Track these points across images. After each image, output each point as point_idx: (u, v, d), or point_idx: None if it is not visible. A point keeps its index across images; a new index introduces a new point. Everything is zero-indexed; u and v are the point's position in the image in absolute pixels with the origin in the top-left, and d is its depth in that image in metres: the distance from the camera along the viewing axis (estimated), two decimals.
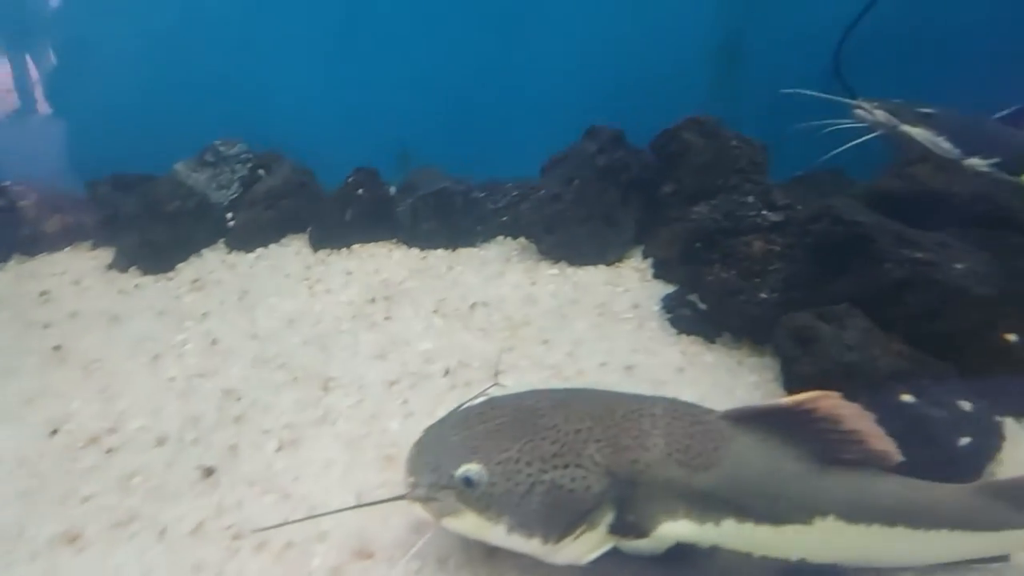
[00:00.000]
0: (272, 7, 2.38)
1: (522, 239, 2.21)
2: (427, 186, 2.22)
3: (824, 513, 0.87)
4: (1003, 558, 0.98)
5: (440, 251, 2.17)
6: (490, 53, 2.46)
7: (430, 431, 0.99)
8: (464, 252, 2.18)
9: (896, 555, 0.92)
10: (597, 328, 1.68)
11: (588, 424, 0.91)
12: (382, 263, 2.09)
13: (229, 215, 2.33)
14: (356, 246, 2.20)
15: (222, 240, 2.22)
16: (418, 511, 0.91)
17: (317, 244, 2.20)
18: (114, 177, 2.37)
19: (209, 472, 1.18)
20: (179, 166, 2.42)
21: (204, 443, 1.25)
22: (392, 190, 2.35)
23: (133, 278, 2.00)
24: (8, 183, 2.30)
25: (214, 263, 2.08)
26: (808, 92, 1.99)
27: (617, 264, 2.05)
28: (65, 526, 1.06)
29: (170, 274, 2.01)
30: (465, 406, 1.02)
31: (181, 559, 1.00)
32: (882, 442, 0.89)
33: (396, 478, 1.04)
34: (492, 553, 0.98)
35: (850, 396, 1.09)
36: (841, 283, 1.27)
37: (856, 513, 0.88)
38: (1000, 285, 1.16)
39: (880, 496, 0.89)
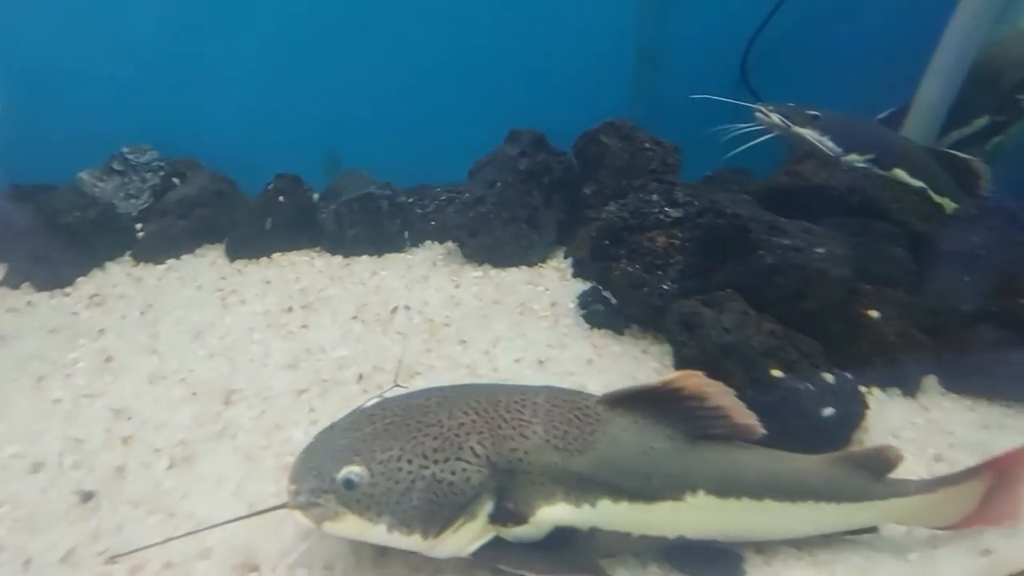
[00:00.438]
0: (191, 4, 2.27)
1: (449, 243, 2.21)
2: (351, 191, 2.19)
3: (695, 489, 0.91)
4: (871, 530, 1.04)
5: (365, 257, 2.14)
6: (420, 57, 2.46)
7: (319, 437, 0.97)
8: (390, 258, 2.15)
9: (766, 528, 0.97)
10: (515, 326, 1.70)
11: (472, 418, 0.92)
12: (303, 271, 2.03)
13: (139, 226, 2.22)
14: (277, 255, 2.13)
15: (129, 252, 2.10)
16: (300, 519, 0.89)
17: (235, 254, 2.12)
18: (12, 188, 2.22)
19: (88, 496, 1.10)
20: (84, 175, 2.28)
21: (86, 466, 1.17)
22: (316, 196, 2.31)
23: (26, 295, 1.86)
24: None
25: (118, 277, 1.96)
26: (715, 97, 2.11)
27: (540, 265, 2.09)
28: None
29: (68, 289, 1.87)
30: (359, 410, 1.01)
31: None
32: (745, 416, 0.94)
33: None
34: (381, 555, 0.96)
35: (728, 374, 1.17)
36: (726, 270, 1.35)
37: (725, 487, 0.93)
38: (855, 267, 1.27)
39: (746, 470, 0.94)
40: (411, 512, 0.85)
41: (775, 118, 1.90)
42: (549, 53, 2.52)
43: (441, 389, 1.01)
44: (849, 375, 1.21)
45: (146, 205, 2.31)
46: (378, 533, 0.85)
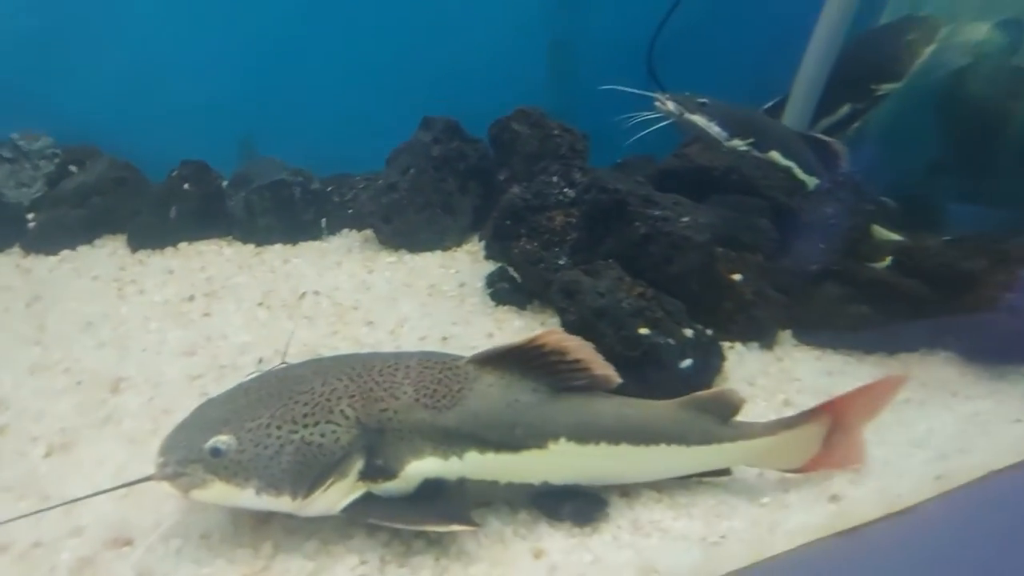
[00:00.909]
0: None
1: (367, 231, 2.22)
2: (262, 178, 2.15)
3: (556, 436, 1.00)
4: (726, 472, 1.14)
5: (278, 246, 2.11)
6: (341, 45, 2.44)
7: (193, 412, 0.98)
8: (305, 246, 2.14)
9: (624, 470, 1.07)
10: (424, 307, 1.76)
11: (344, 383, 0.96)
12: (210, 260, 1.99)
13: (30, 216, 2.10)
14: (183, 244, 2.07)
15: (19, 244, 1.98)
16: (168, 490, 0.90)
17: (137, 244, 2.04)
18: None
19: None
20: None
21: None
22: (225, 183, 2.25)
23: None
24: None
25: (5, 268, 1.85)
26: (620, 87, 2.24)
27: (455, 249, 2.14)
28: None
29: None
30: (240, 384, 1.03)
31: None
32: (603, 367, 1.03)
33: None
34: (262, 522, 0.99)
35: (601, 334, 1.27)
36: (609, 242, 1.47)
37: (584, 434, 1.01)
38: (717, 234, 1.40)
39: (603, 417, 1.03)
40: (280, 475, 0.88)
41: (670, 106, 2.06)
42: (469, 43, 2.57)
43: (320, 360, 1.06)
44: (708, 330, 1.35)
45: (39, 194, 2.18)
46: (247, 497, 0.88)
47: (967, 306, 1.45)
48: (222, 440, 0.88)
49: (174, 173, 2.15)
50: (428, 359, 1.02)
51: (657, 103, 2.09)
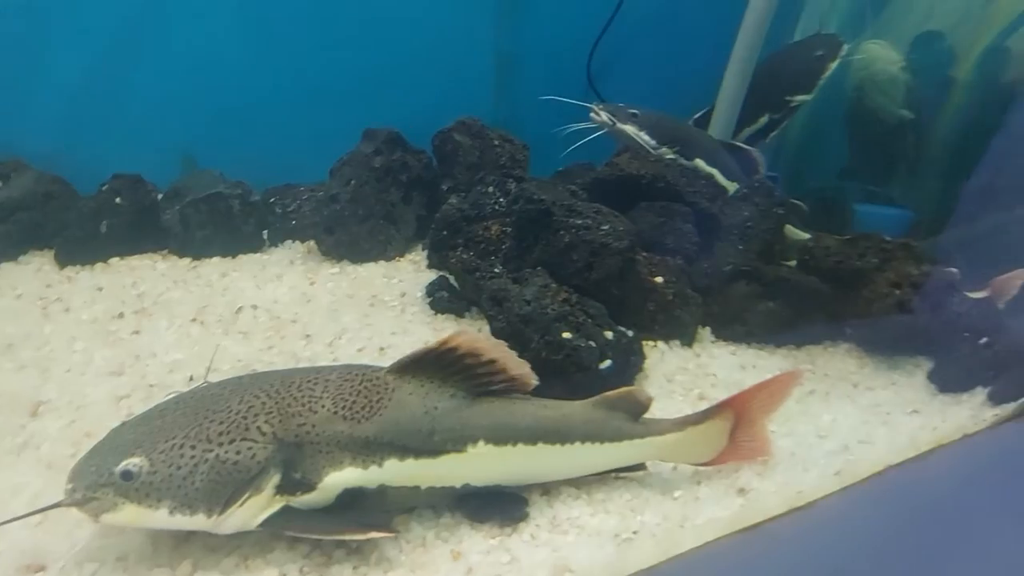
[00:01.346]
0: None
1: (311, 242, 2.22)
2: (198, 191, 2.12)
3: (475, 440, 1.04)
4: (641, 467, 1.20)
5: (216, 259, 2.09)
6: (287, 57, 2.42)
7: (106, 436, 0.98)
8: (245, 258, 2.12)
9: (541, 469, 1.12)
10: (364, 318, 1.77)
11: (262, 400, 0.98)
12: (143, 275, 1.95)
13: None
14: (114, 260, 2.02)
15: None
16: (78, 515, 0.90)
17: (65, 260, 1.98)
18: None
19: None
20: None
21: None
22: (160, 196, 2.20)
23: None
24: None
25: None
26: (560, 98, 2.31)
27: (398, 259, 2.17)
28: None
29: None
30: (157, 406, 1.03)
31: None
32: (518, 367, 1.07)
33: None
34: (183, 541, 1.00)
35: (527, 339, 1.33)
36: (537, 250, 1.53)
37: (501, 436, 1.06)
38: (643, 239, 1.48)
39: (520, 418, 1.08)
40: (193, 494, 0.89)
41: (604, 116, 2.15)
42: (416, 55, 2.60)
43: (239, 378, 1.07)
44: (630, 331, 1.43)
45: None
46: (159, 518, 0.89)
47: (861, 301, 1.59)
48: (133, 463, 0.89)
49: (105, 187, 2.10)
50: (348, 372, 1.05)
51: (592, 114, 2.18)
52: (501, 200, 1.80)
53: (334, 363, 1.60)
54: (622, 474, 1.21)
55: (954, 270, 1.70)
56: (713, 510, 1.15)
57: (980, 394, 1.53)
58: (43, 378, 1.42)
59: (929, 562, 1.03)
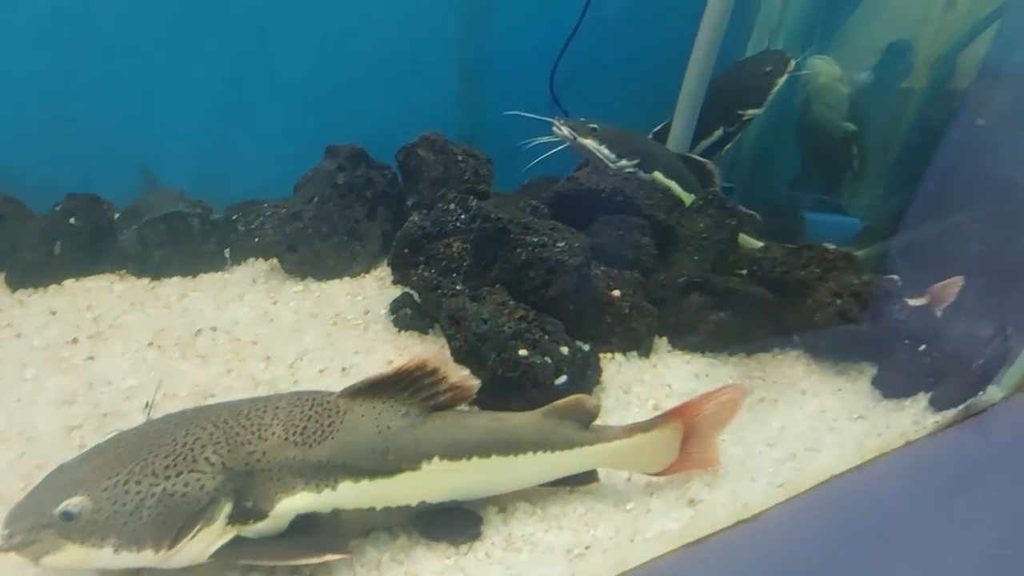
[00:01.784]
0: None
1: (273, 260, 2.20)
2: (156, 210, 2.08)
3: (429, 456, 1.05)
4: (593, 476, 1.22)
5: (176, 279, 2.05)
6: (253, 72, 2.39)
7: (46, 478, 0.97)
8: (206, 278, 2.09)
9: (496, 481, 1.14)
10: (327, 337, 1.77)
11: (209, 431, 0.99)
12: (99, 298, 1.91)
13: None
14: (69, 281, 1.97)
15: None
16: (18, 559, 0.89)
17: (16, 283, 1.92)
18: None
19: None
20: None
21: None
22: (117, 216, 2.16)
23: None
24: None
25: None
26: (523, 113, 2.35)
27: (363, 275, 2.16)
28: None
29: None
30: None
31: None
32: (458, 374, 1.08)
33: None
34: None
35: (484, 357, 1.35)
36: (495, 268, 1.56)
37: (455, 450, 1.07)
38: (602, 252, 1.51)
39: (472, 432, 1.10)
40: (140, 530, 0.89)
41: (565, 131, 2.19)
42: (384, 72, 2.59)
43: (183, 412, 1.06)
44: (586, 345, 1.47)
45: None
46: (105, 557, 0.88)
47: (806, 310, 1.65)
48: (74, 503, 0.88)
49: (59, 207, 2.05)
50: (297, 397, 1.05)
51: (554, 128, 2.22)
52: (463, 217, 1.82)
53: (295, 385, 1.62)
54: (577, 487, 1.24)
55: (895, 277, 1.79)
56: (663, 523, 1.18)
57: (922, 399, 1.60)
58: None
59: (870, 571, 1.08)
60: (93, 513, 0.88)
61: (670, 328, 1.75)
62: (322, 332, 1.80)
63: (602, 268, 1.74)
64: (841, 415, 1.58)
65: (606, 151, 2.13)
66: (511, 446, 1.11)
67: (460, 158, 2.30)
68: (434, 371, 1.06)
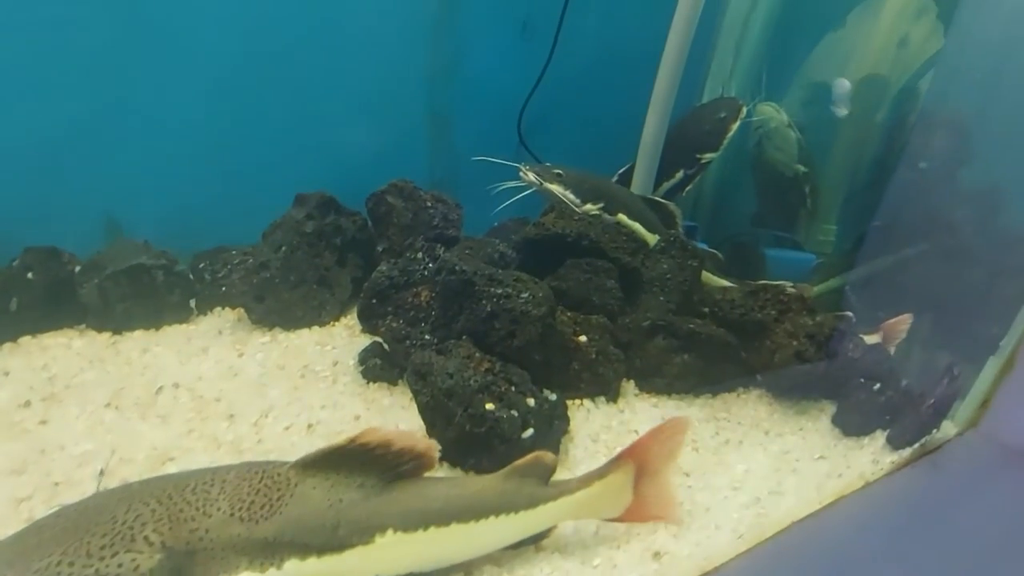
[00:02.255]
0: None
1: (241, 309, 2.18)
2: (118, 263, 2.05)
3: (383, 529, 1.02)
4: (546, 535, 1.20)
5: (139, 332, 2.01)
6: (220, 119, 2.39)
7: None
8: (170, 330, 2.06)
9: (458, 550, 1.11)
10: (294, 391, 1.74)
11: (152, 507, 0.95)
12: (56, 355, 1.85)
13: None
14: (25, 339, 1.91)
15: None
16: None
17: None
18: None
19: None
20: None
21: None
22: (77, 269, 2.12)
23: None
24: None
25: None
26: (490, 159, 2.41)
27: (333, 323, 2.15)
28: None
29: None
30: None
31: None
32: (418, 443, 1.06)
33: None
34: None
35: (451, 413, 1.34)
36: (461, 319, 1.57)
37: (412, 521, 1.04)
38: (570, 297, 1.53)
39: (431, 500, 1.07)
40: None
41: (531, 176, 2.24)
42: (354, 119, 2.62)
43: (128, 485, 1.03)
44: (552, 395, 1.47)
45: None
46: None
47: (765, 351, 1.70)
48: None
49: (15, 262, 2.00)
50: (247, 469, 1.03)
51: (521, 173, 2.28)
52: (430, 265, 1.84)
53: (259, 444, 1.58)
54: (542, 543, 1.23)
55: (849, 314, 1.85)
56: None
57: (880, 437, 1.65)
58: None
59: None
60: None
61: (637, 371, 1.77)
62: (289, 386, 1.78)
63: (568, 313, 1.77)
64: (804, 455, 1.61)
65: (571, 196, 2.19)
66: (473, 511, 1.09)
67: (429, 204, 2.34)
68: (391, 443, 1.03)
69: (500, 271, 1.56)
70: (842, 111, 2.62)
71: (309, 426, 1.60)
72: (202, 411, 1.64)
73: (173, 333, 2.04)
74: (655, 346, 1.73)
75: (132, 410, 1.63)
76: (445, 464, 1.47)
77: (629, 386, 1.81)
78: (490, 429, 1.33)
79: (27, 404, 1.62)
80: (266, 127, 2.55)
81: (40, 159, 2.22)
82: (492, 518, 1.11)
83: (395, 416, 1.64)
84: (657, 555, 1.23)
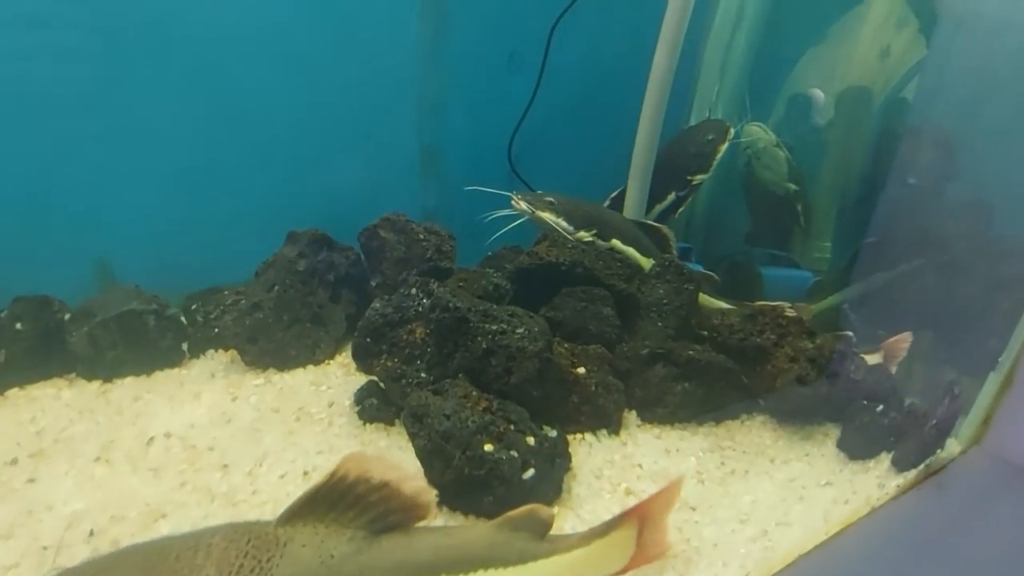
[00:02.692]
0: None
1: (233, 351, 2.15)
2: (109, 310, 2.03)
3: None
4: None
5: (130, 379, 1.98)
6: (210, 157, 2.39)
7: None
8: (161, 375, 2.02)
9: None
10: (289, 436, 1.71)
11: None
12: (45, 407, 1.81)
13: None
14: (13, 391, 1.87)
15: None
16: None
17: None
18: None
19: None
20: None
21: None
22: (68, 316, 2.09)
23: None
24: None
25: None
26: (482, 188, 2.42)
27: (328, 362, 2.12)
28: None
29: None
30: None
31: None
32: (413, 485, 1.00)
33: None
34: None
35: (450, 457, 1.31)
36: (457, 358, 1.54)
37: (400, 574, 0.99)
38: (549, 340, 1.52)
39: (420, 552, 1.03)
40: None
41: (523, 205, 2.25)
42: (345, 153, 2.62)
43: (110, 555, 0.99)
44: (553, 431, 1.45)
45: None
46: None
47: (766, 375, 1.68)
48: None
49: (4, 312, 1.97)
50: (232, 531, 0.98)
51: (513, 202, 2.28)
52: (425, 301, 1.82)
53: (253, 496, 1.54)
54: None
55: (849, 334, 1.84)
56: None
57: (885, 460, 1.62)
58: None
59: None
60: None
61: (638, 401, 1.75)
62: (284, 430, 1.74)
63: (565, 345, 1.75)
64: (810, 482, 1.58)
65: (564, 223, 2.19)
66: (461, 565, 1.05)
67: (422, 236, 2.33)
68: (384, 484, 0.98)
69: (494, 307, 1.55)
70: (822, 121, 2.66)
71: (305, 473, 1.56)
72: (195, 462, 1.60)
73: (165, 378, 2.01)
74: (655, 374, 1.70)
75: (123, 463, 1.59)
76: (444, 508, 1.44)
77: (631, 417, 1.78)
78: (490, 471, 1.30)
79: (14, 462, 1.58)
80: (257, 165, 2.55)
81: (28, 204, 2.21)
82: (480, 572, 1.06)
83: (392, 458, 1.60)
84: None
